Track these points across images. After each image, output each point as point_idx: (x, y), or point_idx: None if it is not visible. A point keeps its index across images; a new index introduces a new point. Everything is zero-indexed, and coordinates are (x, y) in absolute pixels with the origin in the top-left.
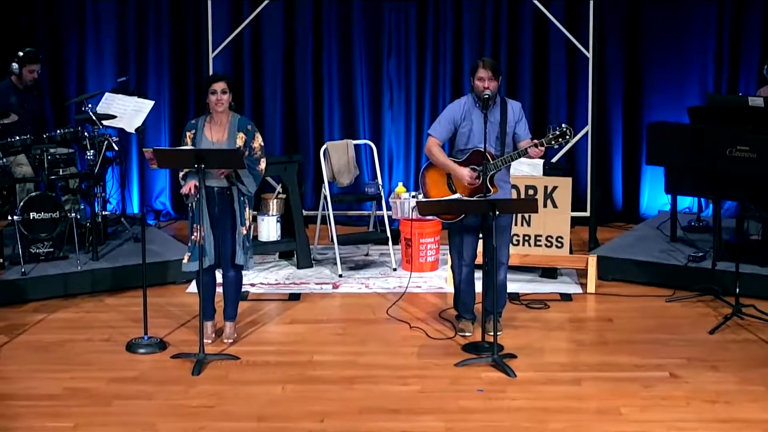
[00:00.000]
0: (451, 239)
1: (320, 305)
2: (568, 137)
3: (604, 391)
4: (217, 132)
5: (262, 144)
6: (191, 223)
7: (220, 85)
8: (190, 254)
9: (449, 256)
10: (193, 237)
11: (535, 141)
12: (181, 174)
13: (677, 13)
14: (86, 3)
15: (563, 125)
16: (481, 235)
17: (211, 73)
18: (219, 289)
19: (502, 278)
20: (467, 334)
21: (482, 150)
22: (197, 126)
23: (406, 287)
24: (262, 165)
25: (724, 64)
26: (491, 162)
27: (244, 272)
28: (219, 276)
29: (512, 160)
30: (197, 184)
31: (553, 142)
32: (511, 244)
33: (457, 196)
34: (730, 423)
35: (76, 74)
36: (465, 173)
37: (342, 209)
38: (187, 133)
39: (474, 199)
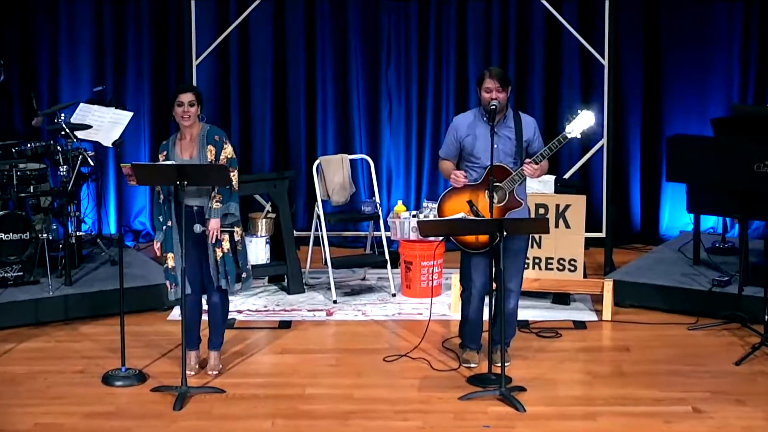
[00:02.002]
0: (461, 263)
1: (313, 334)
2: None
3: (621, 427)
4: (187, 148)
5: (232, 154)
6: (163, 251)
7: (187, 97)
8: (173, 283)
9: (458, 280)
10: (167, 266)
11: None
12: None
13: (700, 16)
14: (59, 6)
15: (579, 110)
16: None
17: (194, 83)
18: (205, 317)
19: (512, 307)
20: (472, 365)
21: (499, 166)
22: (168, 147)
23: (429, 317)
24: (234, 175)
25: (751, 72)
26: (511, 175)
27: (230, 297)
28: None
29: (547, 156)
30: (159, 247)
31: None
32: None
33: (460, 215)
34: None
35: (47, 83)
36: (452, 176)
37: (337, 230)
38: (160, 156)
39: (478, 218)
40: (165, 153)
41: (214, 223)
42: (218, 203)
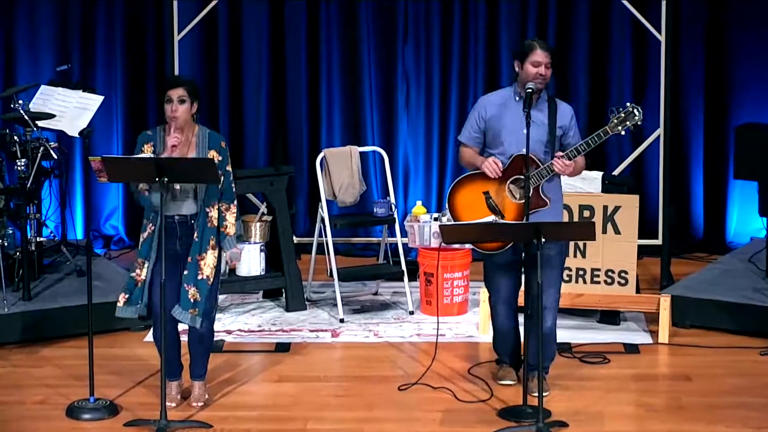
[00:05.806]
0: (484, 274)
1: (316, 358)
2: (637, 118)
3: None
4: (180, 147)
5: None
6: (137, 256)
7: (176, 92)
8: (126, 295)
9: (486, 296)
10: (133, 274)
11: (563, 153)
12: (138, 187)
13: None
14: None
15: (628, 104)
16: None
17: (176, 62)
18: (184, 338)
19: (548, 326)
20: (508, 382)
21: (525, 155)
22: (155, 138)
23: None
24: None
25: None
26: (539, 168)
27: (217, 315)
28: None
29: (583, 151)
30: None
31: (619, 128)
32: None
33: (491, 218)
34: None
35: (3, 61)
36: (486, 162)
37: (344, 235)
38: (145, 146)
39: (510, 222)
40: (152, 144)
41: (237, 252)
42: (232, 227)
